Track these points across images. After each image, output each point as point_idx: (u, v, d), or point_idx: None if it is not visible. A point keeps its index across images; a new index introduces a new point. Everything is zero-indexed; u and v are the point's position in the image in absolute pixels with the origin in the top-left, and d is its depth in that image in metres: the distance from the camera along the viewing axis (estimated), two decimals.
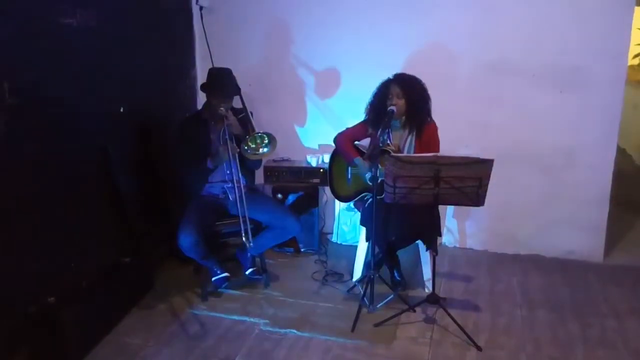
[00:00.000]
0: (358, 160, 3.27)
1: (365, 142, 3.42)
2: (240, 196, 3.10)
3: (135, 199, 3.36)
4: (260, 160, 3.41)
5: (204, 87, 3.29)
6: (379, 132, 2.92)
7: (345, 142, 3.37)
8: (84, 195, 2.99)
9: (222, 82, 3.23)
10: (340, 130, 3.41)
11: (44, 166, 2.69)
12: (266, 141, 3.12)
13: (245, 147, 3.09)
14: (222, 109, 3.14)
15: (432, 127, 3.22)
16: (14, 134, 2.49)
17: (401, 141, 3.24)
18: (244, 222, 3.02)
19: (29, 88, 2.57)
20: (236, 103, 3.34)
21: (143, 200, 3.49)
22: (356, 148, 3.36)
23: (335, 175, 3.54)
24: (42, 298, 2.65)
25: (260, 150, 3.14)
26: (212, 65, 3.85)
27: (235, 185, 3.14)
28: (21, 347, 2.56)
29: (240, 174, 3.22)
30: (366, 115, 3.29)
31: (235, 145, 3.16)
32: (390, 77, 3.18)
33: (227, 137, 3.13)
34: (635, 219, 4.57)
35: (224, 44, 4.12)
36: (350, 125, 3.40)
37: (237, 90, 3.30)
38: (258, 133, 3.08)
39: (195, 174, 3.29)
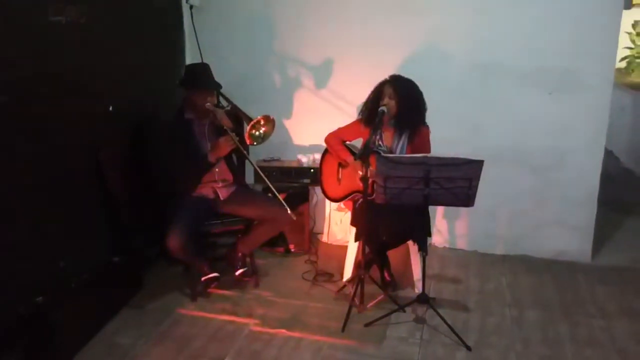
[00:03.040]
0: (349, 160, 3.27)
1: (356, 142, 3.44)
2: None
3: (124, 198, 3.33)
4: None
5: (184, 84, 3.23)
6: (370, 132, 2.93)
7: (335, 141, 3.37)
8: (73, 195, 2.96)
9: (205, 77, 3.20)
10: (331, 130, 3.41)
11: (32, 165, 2.66)
12: (262, 122, 3.15)
13: (251, 137, 3.12)
14: (208, 104, 3.13)
15: (424, 131, 3.23)
16: (1, 133, 2.46)
17: (393, 142, 3.24)
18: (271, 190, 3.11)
19: (16, 86, 2.53)
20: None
21: (132, 199, 3.46)
22: (347, 148, 3.37)
23: (325, 174, 3.53)
24: (31, 298, 2.63)
25: (262, 130, 3.18)
26: None
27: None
28: (10, 347, 2.53)
29: (230, 173, 3.21)
30: (360, 115, 3.30)
31: (234, 134, 3.13)
32: (387, 77, 3.20)
33: (221, 130, 3.13)
34: (622, 219, 4.61)
35: (214, 42, 4.10)
36: (341, 125, 3.40)
37: (218, 85, 3.28)
38: (254, 120, 3.10)
39: (192, 173, 3.24)
